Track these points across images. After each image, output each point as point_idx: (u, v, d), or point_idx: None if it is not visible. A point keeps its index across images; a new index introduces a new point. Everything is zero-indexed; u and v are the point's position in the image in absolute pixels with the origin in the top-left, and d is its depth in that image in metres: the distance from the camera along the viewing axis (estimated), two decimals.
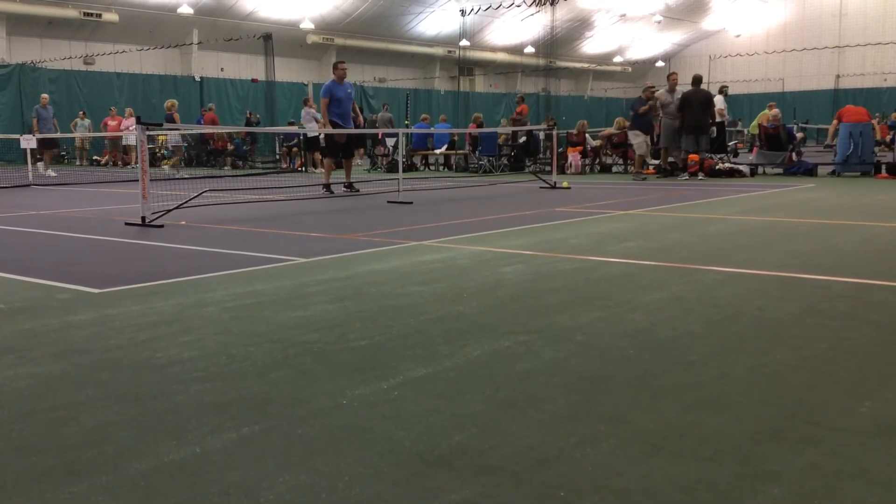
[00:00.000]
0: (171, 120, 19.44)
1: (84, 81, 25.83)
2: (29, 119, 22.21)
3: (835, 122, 14.66)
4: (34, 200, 11.50)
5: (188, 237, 7.05)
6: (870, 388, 2.69)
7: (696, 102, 14.59)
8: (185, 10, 26.05)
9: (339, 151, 12.50)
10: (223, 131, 20.84)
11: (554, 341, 3.33)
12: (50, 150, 19.06)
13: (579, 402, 2.59)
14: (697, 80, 14.94)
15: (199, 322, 3.74)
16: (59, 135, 19.99)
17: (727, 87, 17.60)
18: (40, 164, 18.79)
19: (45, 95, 19.41)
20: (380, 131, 19.19)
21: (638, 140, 15.21)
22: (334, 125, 11.76)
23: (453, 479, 2.02)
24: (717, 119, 17.69)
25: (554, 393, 2.67)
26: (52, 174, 17.78)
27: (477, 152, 18.85)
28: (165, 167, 19.55)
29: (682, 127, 14.68)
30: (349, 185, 12.29)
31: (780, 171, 15.48)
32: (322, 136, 14.00)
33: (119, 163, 23.33)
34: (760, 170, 15.73)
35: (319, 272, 5.09)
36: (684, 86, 15.31)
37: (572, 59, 39.66)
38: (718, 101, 17.79)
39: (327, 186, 11.92)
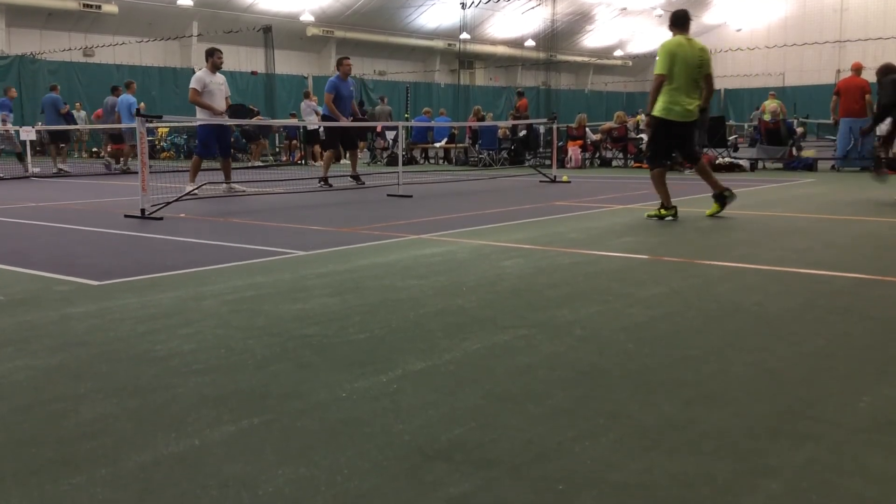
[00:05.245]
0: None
1: (83, 73, 25.77)
2: (27, 114, 22.14)
3: (834, 97, 14.43)
4: (33, 192, 11.49)
5: (188, 230, 7.05)
6: (868, 384, 2.69)
7: None
8: (185, 2, 26.02)
9: (339, 144, 12.62)
10: (231, 124, 20.79)
11: (553, 335, 3.33)
12: (315, 146, 17.86)
13: (578, 396, 2.59)
14: None
15: (199, 315, 3.74)
16: (72, 127, 19.61)
17: None
18: (317, 163, 18.00)
19: (308, 90, 18.30)
20: (378, 124, 19.18)
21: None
22: (336, 120, 11.86)
23: (452, 472, 2.02)
24: (765, 117, 17.46)
25: (553, 387, 2.67)
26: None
27: (477, 146, 18.84)
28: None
29: None
30: (355, 177, 12.38)
31: (780, 165, 15.47)
32: (322, 129, 14.05)
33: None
34: (760, 164, 15.72)
35: (319, 265, 5.09)
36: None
37: (573, 53, 39.64)
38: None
39: (325, 180, 11.96)
